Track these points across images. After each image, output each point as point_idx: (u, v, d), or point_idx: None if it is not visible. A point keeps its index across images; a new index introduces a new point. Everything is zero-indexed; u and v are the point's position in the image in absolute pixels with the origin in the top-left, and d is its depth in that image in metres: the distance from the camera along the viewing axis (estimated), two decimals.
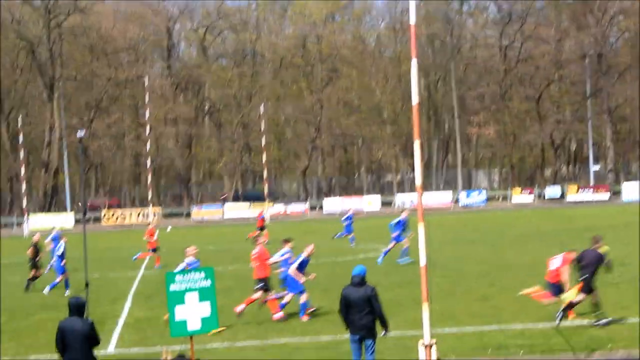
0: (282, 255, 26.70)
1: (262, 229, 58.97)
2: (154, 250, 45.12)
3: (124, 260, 49.13)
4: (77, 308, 14.93)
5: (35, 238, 38.33)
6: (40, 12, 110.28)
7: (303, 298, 25.48)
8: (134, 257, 46.04)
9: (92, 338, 14.77)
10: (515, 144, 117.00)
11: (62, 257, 35.21)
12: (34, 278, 36.66)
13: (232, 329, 24.13)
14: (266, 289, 26.09)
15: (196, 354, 17.56)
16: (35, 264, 36.76)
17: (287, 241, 27.49)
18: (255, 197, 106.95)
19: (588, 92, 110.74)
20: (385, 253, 40.02)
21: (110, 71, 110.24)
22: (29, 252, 37.13)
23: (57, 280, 35.08)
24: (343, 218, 55.34)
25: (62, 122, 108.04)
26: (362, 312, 17.06)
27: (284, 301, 25.99)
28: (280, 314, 25.59)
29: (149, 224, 49.11)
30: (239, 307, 26.02)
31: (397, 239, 39.77)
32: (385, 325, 16.99)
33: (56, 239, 39.05)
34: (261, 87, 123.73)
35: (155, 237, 45.57)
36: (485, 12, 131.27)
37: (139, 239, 50.13)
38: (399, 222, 39.91)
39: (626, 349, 19.19)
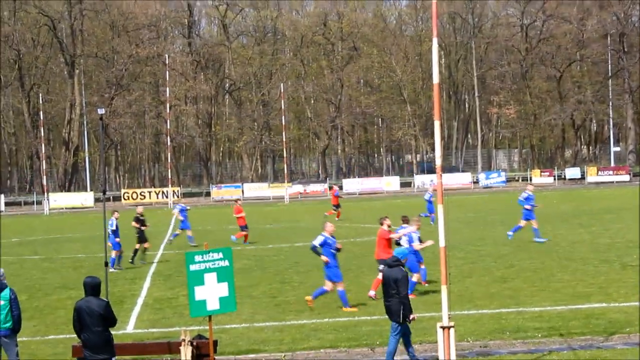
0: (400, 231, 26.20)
1: (337, 206, 58.66)
2: (244, 227, 44.32)
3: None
4: (93, 288, 14.95)
5: (139, 210, 38.89)
6: None
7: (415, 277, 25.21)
8: (233, 238, 44.04)
9: (107, 318, 14.80)
10: (535, 125, 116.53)
11: (115, 233, 35.57)
12: (143, 250, 37.24)
13: (251, 310, 24.17)
14: None
15: (215, 335, 17.60)
16: (142, 236, 37.16)
17: (405, 219, 27.16)
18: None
19: (610, 72, 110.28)
20: (516, 229, 38.58)
21: (131, 48, 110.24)
22: (134, 224, 37.48)
23: (113, 255, 35.43)
24: (426, 198, 51.49)
25: (82, 99, 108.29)
26: (388, 294, 17.04)
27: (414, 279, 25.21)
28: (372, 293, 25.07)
29: (237, 200, 47.87)
30: (371, 292, 25.10)
31: (530, 217, 37.98)
32: (404, 313, 16.86)
33: (183, 211, 43.89)
34: (282, 66, 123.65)
35: (242, 214, 44.47)
36: None
37: (158, 217, 50.16)
38: (528, 197, 38.13)
39: None
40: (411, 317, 16.95)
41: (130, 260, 36.43)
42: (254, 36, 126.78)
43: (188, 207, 46.68)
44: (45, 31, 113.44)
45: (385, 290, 17.23)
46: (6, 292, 16.17)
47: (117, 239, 35.52)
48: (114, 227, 35.62)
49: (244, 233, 43.91)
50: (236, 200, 47.52)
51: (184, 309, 23.81)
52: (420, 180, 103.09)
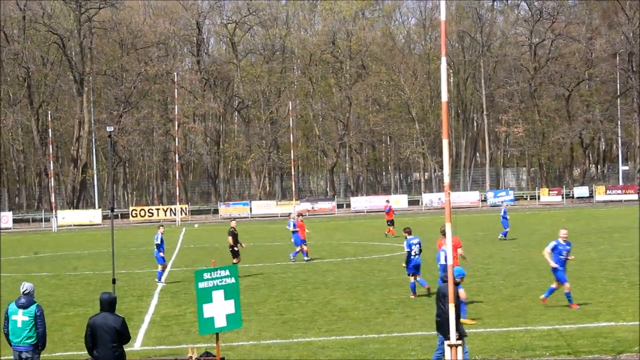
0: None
1: (391, 222, 57.05)
2: (304, 242, 43.48)
3: (150, 256, 49.28)
4: (109, 304, 15.03)
5: (233, 224, 38.86)
6: (71, 6, 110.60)
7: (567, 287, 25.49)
8: (301, 256, 43.26)
9: (123, 334, 14.85)
10: (544, 143, 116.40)
11: (160, 247, 36.16)
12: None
13: (258, 327, 24.15)
14: None
15: (222, 352, 17.59)
16: (235, 251, 37.61)
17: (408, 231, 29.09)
18: None
19: (618, 91, 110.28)
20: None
21: (140, 66, 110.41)
22: (230, 240, 37.82)
23: (159, 269, 35.74)
24: (502, 214, 51.49)
25: (91, 117, 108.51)
26: (438, 309, 17.19)
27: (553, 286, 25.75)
28: None
29: (300, 214, 47.45)
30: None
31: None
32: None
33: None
34: (290, 84, 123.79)
35: (306, 229, 43.82)
36: (516, 9, 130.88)
37: (165, 235, 50.22)
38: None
39: None
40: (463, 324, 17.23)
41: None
42: (262, 54, 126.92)
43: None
44: (54, 49, 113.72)
45: (437, 306, 17.35)
46: (32, 308, 16.32)
47: (161, 254, 36.18)
48: (159, 242, 36.16)
49: (305, 248, 43.41)
50: (299, 215, 47.83)
51: (191, 326, 23.83)
52: (428, 198, 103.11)
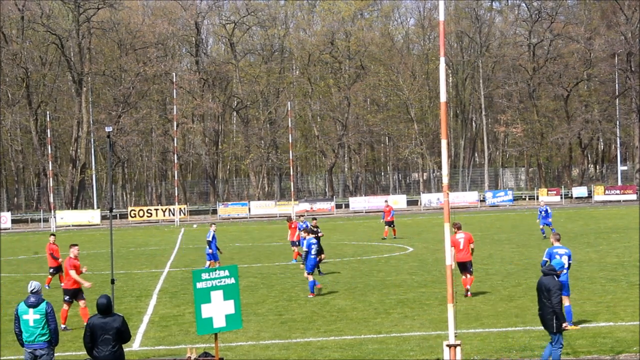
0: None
1: (390, 224, 55.04)
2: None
3: (149, 256, 49.27)
4: (105, 309, 15.07)
5: (313, 223, 39.00)
6: (70, 7, 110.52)
7: None
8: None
9: (123, 333, 14.89)
10: (542, 143, 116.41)
11: (211, 245, 37.45)
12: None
13: (257, 328, 24.14)
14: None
15: (221, 352, 17.58)
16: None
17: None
18: None
19: (617, 92, 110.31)
20: None
21: (139, 66, 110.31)
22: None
23: (207, 266, 36.26)
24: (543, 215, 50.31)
25: (90, 117, 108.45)
26: (541, 303, 17.29)
27: None
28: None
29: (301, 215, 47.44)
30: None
31: None
32: (557, 323, 17.10)
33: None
34: (289, 84, 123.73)
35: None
36: (515, 9, 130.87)
37: (164, 235, 50.26)
38: None
39: None
40: (564, 325, 17.16)
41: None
42: (261, 54, 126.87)
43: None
44: (53, 49, 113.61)
45: (539, 299, 17.39)
46: (42, 306, 16.51)
47: (211, 250, 37.42)
48: (210, 238, 37.35)
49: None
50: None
51: (190, 327, 23.81)
52: (427, 198, 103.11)
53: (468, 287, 28.37)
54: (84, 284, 25.15)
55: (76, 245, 26.47)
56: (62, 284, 26.74)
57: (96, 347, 14.82)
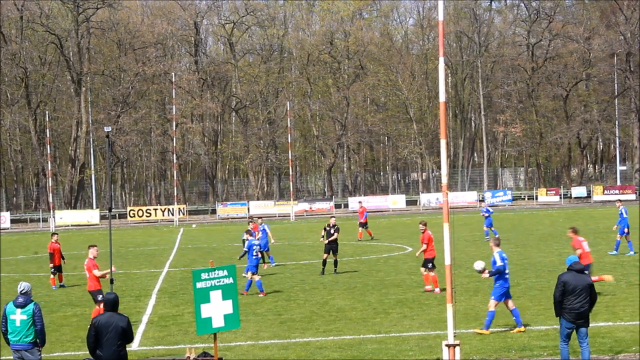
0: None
1: (364, 225, 55.31)
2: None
3: (148, 256, 49.25)
4: (113, 304, 15.10)
5: (332, 222, 38.33)
6: (69, 6, 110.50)
7: None
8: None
9: (128, 333, 14.91)
10: (541, 143, 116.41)
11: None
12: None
13: (256, 328, 24.14)
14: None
15: (220, 352, 17.58)
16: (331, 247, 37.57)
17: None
18: None
19: (616, 92, 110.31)
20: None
21: (138, 66, 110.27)
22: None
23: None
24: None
25: (89, 117, 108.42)
26: (583, 300, 17.21)
27: None
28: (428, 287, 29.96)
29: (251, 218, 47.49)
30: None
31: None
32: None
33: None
34: (288, 84, 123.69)
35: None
36: (514, 9, 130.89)
37: (163, 235, 50.28)
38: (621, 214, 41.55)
39: None
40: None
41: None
42: (260, 54, 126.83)
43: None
44: (52, 49, 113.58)
45: (575, 297, 17.33)
46: (29, 307, 16.56)
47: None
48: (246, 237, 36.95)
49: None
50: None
51: (189, 327, 23.80)
52: (426, 198, 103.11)
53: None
54: (107, 275, 24.97)
55: (95, 246, 26.43)
56: (87, 288, 26.51)
57: (100, 347, 14.80)
